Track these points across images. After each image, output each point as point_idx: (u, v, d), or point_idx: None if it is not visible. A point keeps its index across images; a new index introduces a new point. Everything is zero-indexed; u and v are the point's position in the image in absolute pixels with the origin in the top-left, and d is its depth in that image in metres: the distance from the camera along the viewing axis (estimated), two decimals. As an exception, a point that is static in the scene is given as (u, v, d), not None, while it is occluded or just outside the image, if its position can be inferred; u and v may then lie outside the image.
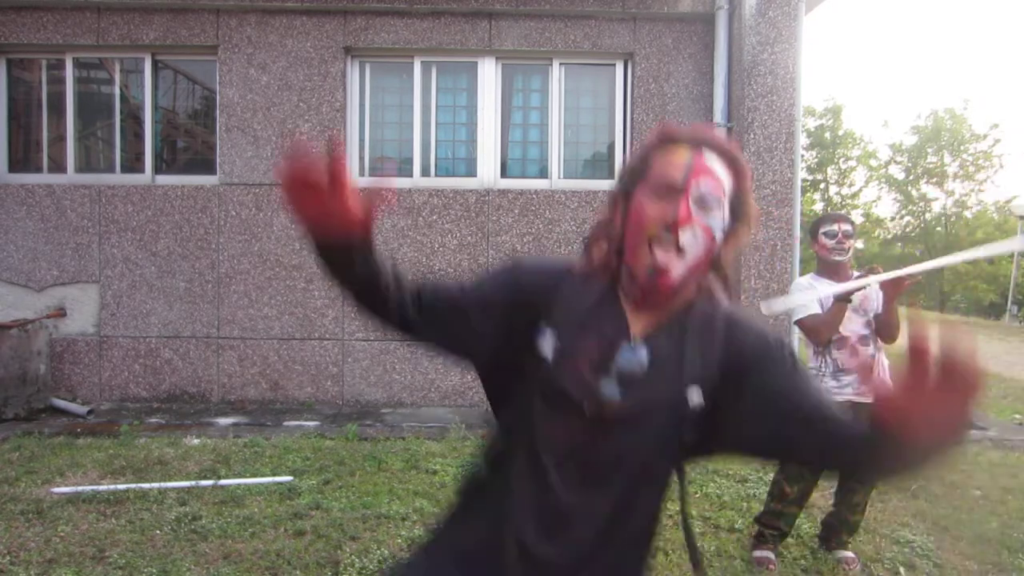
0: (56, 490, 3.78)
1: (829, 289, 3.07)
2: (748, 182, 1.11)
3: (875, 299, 3.04)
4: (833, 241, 3.11)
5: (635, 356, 1.08)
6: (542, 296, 1.11)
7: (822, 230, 3.15)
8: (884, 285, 2.87)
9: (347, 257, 1.02)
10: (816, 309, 3.06)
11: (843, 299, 2.93)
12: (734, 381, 1.07)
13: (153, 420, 5.45)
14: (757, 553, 3.15)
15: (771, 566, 3.08)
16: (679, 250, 1.04)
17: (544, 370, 1.07)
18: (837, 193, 31.80)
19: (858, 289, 2.88)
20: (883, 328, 3.02)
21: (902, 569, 3.11)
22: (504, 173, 6.29)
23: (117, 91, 6.24)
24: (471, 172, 6.26)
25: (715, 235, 1.07)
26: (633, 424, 1.06)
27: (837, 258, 3.10)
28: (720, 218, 1.07)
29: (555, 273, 1.14)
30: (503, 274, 1.16)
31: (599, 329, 1.09)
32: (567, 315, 1.09)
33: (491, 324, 1.12)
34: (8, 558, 2.98)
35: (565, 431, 1.07)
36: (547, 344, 1.08)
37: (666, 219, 1.03)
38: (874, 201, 34.27)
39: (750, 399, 1.05)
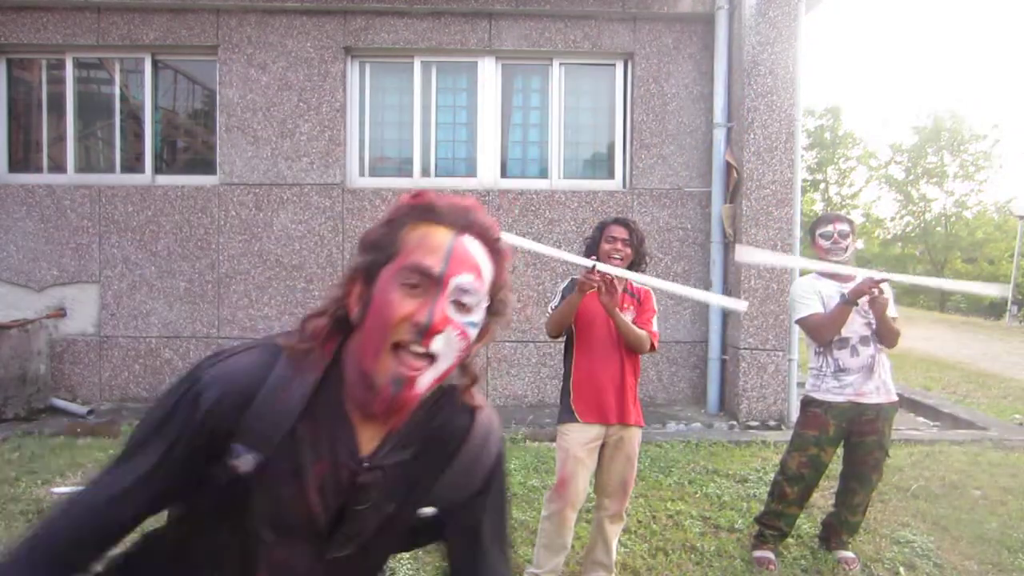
0: (56, 490, 3.78)
1: (832, 288, 3.08)
2: (507, 270, 0.97)
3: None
4: (829, 242, 3.10)
5: (370, 480, 0.94)
6: (230, 422, 0.88)
7: (818, 231, 3.15)
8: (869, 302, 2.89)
9: None
10: (819, 308, 3.06)
11: (850, 302, 2.93)
12: (460, 505, 1.05)
13: (153, 420, 5.44)
14: (757, 553, 3.15)
15: (771, 566, 3.08)
16: (430, 357, 0.88)
17: (247, 494, 0.89)
18: (837, 193, 31.82)
19: (864, 294, 2.90)
20: (881, 334, 3.02)
21: (902, 569, 3.11)
22: (504, 173, 6.30)
23: (117, 91, 6.24)
24: (471, 172, 6.26)
25: (470, 336, 0.92)
26: (361, 553, 0.99)
27: (834, 259, 3.10)
28: (478, 316, 0.92)
29: (245, 385, 0.89)
30: (169, 426, 0.90)
31: (321, 447, 0.91)
32: (270, 431, 0.88)
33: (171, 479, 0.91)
34: (8, 558, 2.98)
35: (276, 557, 0.93)
36: (244, 463, 0.88)
37: (418, 321, 0.85)
38: (874, 201, 34.27)
39: (461, 524, 1.06)
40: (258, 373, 0.90)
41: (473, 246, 0.91)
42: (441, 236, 0.89)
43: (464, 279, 0.88)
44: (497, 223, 0.95)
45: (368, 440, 0.94)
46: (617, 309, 2.65)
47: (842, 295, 2.99)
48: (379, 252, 0.90)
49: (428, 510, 1.02)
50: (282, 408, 0.88)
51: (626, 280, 2.85)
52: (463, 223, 0.91)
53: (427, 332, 0.85)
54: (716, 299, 2.51)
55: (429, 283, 0.87)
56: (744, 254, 2.95)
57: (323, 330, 0.92)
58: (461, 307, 0.89)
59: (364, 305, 0.90)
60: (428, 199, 0.92)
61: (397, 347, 0.86)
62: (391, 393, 0.87)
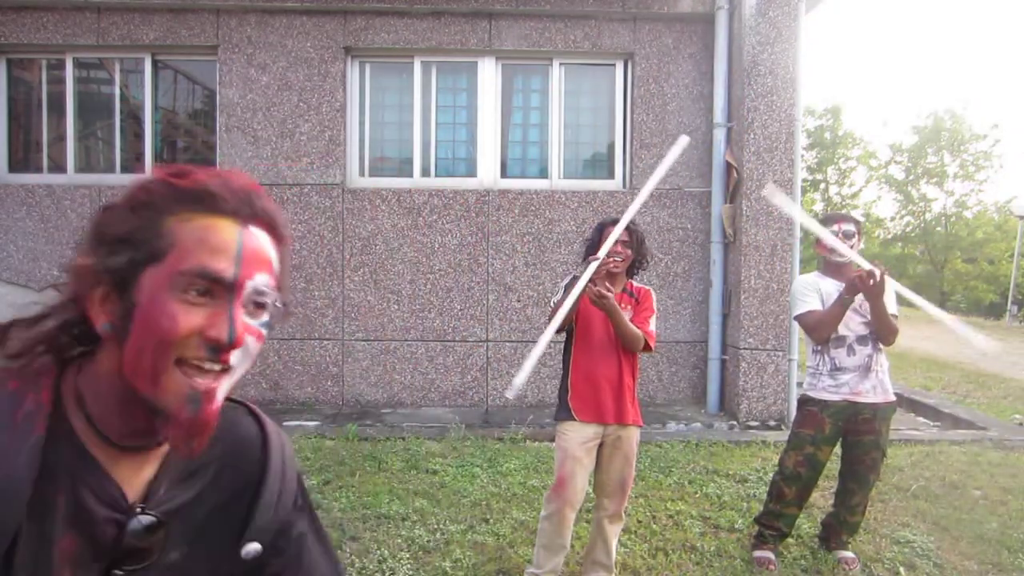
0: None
1: (832, 287, 3.08)
2: (289, 250, 0.82)
3: None
4: (833, 241, 3.11)
5: (142, 528, 0.74)
6: None
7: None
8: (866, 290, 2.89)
9: None
10: (818, 305, 3.07)
11: (847, 301, 2.94)
12: (283, 527, 0.88)
13: (153, 420, 5.45)
14: (757, 553, 3.15)
15: (771, 566, 3.08)
16: (226, 371, 0.73)
17: None
18: (837, 193, 31.81)
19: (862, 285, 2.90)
20: (878, 330, 3.02)
21: (902, 569, 3.11)
22: (504, 173, 6.30)
23: (117, 91, 6.24)
24: (471, 172, 6.26)
25: (265, 337, 0.78)
26: None
27: (837, 259, 3.10)
28: (270, 313, 0.77)
29: None
30: None
31: (66, 513, 0.70)
32: None
33: None
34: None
35: None
36: None
37: (215, 337, 0.70)
38: (874, 201, 34.30)
39: (287, 547, 0.89)
40: None
41: (262, 239, 0.75)
42: (226, 231, 0.72)
43: (260, 280, 0.73)
44: (278, 207, 0.80)
45: (131, 481, 0.74)
46: (614, 303, 2.65)
47: (840, 297, 3.00)
48: (135, 249, 0.71)
49: (253, 547, 0.83)
50: (4, 489, 0.65)
51: (625, 280, 2.86)
52: (248, 212, 0.74)
53: (227, 348, 0.71)
54: (668, 160, 2.56)
55: (219, 290, 0.71)
56: (771, 193, 3.15)
57: (47, 343, 0.72)
58: (256, 308, 0.74)
59: (121, 317, 0.70)
60: (200, 182, 0.74)
61: (181, 363, 0.70)
62: (189, 414, 0.70)
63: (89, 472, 0.72)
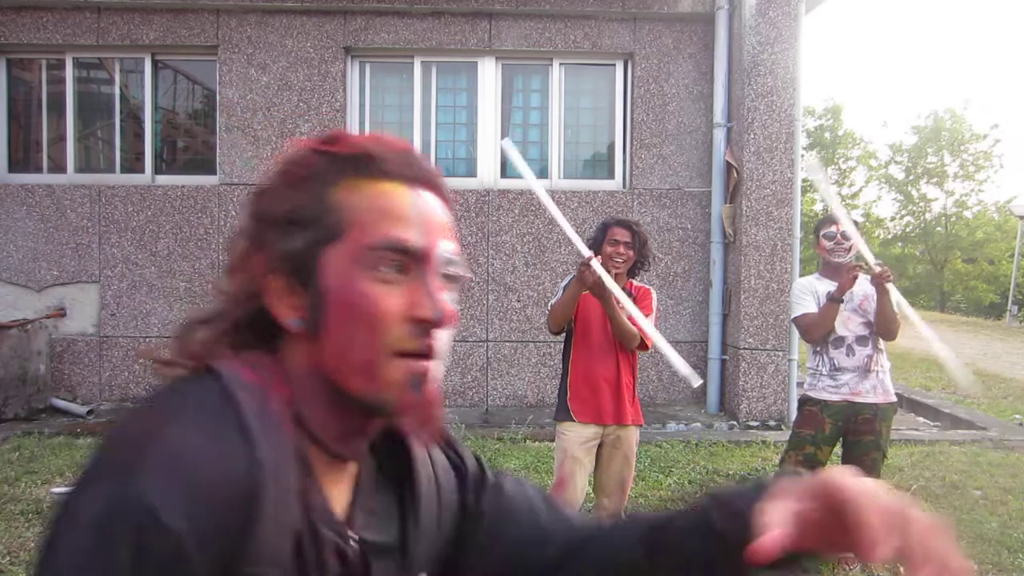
0: (56, 490, 3.78)
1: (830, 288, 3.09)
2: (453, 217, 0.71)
3: (875, 300, 3.05)
4: (832, 242, 3.12)
5: (356, 557, 0.64)
6: (231, 549, 0.53)
7: (822, 232, 3.17)
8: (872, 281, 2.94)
9: None
10: (813, 308, 3.08)
11: (835, 300, 2.96)
12: (458, 530, 0.77)
13: (153, 420, 5.44)
14: (757, 553, 3.15)
15: (771, 566, 3.08)
16: (431, 356, 0.63)
17: None
18: (837, 193, 31.81)
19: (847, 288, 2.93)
20: (879, 325, 3.02)
21: (902, 569, 3.11)
22: (504, 173, 6.29)
23: (117, 91, 6.24)
24: (471, 172, 6.26)
25: (458, 318, 0.67)
26: None
27: (837, 259, 3.11)
28: (457, 288, 0.68)
29: (240, 487, 0.54)
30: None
31: (307, 531, 0.60)
32: (283, 535, 0.57)
33: None
34: (8, 558, 2.99)
35: None
36: None
37: (423, 317, 0.61)
38: (874, 201, 34.34)
39: (476, 540, 0.78)
40: (242, 460, 0.55)
41: (434, 202, 0.66)
42: (399, 195, 0.63)
43: (447, 247, 0.65)
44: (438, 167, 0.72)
45: (337, 499, 0.65)
46: (612, 299, 2.64)
47: (828, 293, 3.01)
48: (307, 228, 0.62)
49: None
50: (290, 495, 0.58)
51: (626, 280, 2.86)
52: (414, 174, 0.65)
53: (436, 324, 0.62)
54: (675, 358, 2.39)
55: (409, 263, 0.62)
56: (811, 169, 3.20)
57: (230, 340, 0.63)
58: (450, 281, 0.65)
59: (310, 309, 0.62)
60: (357, 144, 0.65)
61: (394, 350, 0.61)
62: (414, 398, 0.62)
63: (310, 485, 0.61)
